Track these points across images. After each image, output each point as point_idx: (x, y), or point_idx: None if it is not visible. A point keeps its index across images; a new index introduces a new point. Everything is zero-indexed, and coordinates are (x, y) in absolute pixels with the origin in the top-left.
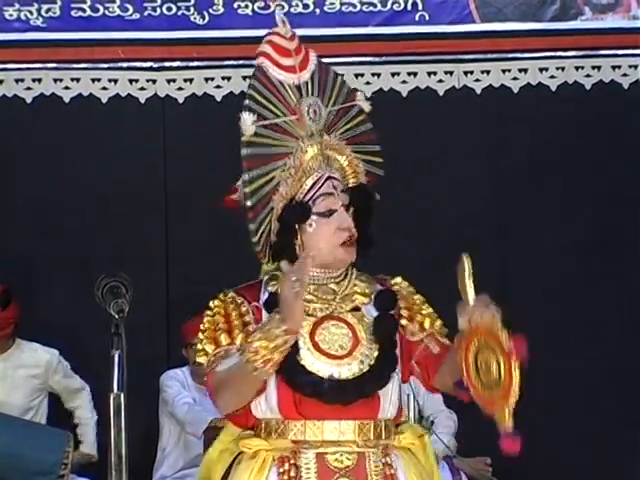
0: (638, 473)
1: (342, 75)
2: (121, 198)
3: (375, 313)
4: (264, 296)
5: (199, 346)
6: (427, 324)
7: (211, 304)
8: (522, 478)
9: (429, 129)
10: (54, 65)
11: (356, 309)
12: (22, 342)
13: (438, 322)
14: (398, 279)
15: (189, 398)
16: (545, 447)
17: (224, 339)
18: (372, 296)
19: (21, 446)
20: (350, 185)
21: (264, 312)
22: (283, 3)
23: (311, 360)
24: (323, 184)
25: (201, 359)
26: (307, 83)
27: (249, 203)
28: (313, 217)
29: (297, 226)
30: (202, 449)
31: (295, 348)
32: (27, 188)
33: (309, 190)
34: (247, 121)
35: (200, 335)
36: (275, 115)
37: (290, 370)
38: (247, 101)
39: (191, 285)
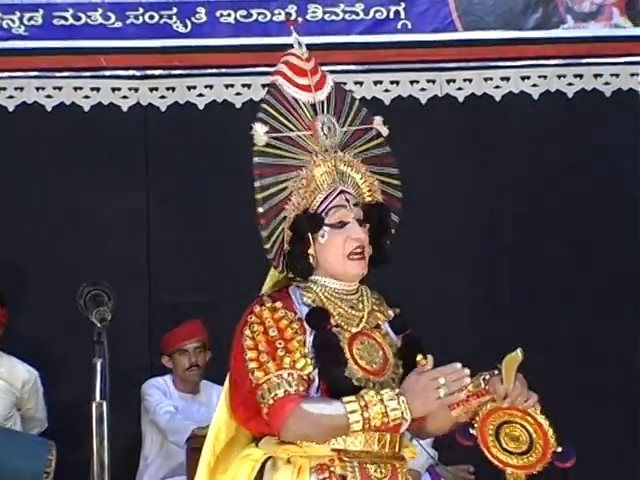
0: (637, 476)
1: (359, 99)
2: (103, 207)
3: (391, 333)
4: (302, 309)
5: (252, 354)
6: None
7: (259, 311)
8: None
9: (412, 137)
10: (36, 73)
11: (377, 326)
12: (3, 355)
13: None
14: (397, 310)
15: (170, 407)
16: None
17: (287, 362)
18: (386, 314)
19: (3, 454)
20: (366, 201)
21: (305, 325)
22: (292, 12)
23: (355, 374)
24: (336, 197)
25: (259, 373)
26: (322, 102)
27: (261, 210)
28: (325, 228)
29: (310, 236)
30: (184, 458)
31: (343, 361)
32: (8, 196)
33: (322, 202)
34: (259, 131)
35: (252, 342)
36: (288, 129)
37: (338, 383)
38: (260, 114)
39: (173, 293)
